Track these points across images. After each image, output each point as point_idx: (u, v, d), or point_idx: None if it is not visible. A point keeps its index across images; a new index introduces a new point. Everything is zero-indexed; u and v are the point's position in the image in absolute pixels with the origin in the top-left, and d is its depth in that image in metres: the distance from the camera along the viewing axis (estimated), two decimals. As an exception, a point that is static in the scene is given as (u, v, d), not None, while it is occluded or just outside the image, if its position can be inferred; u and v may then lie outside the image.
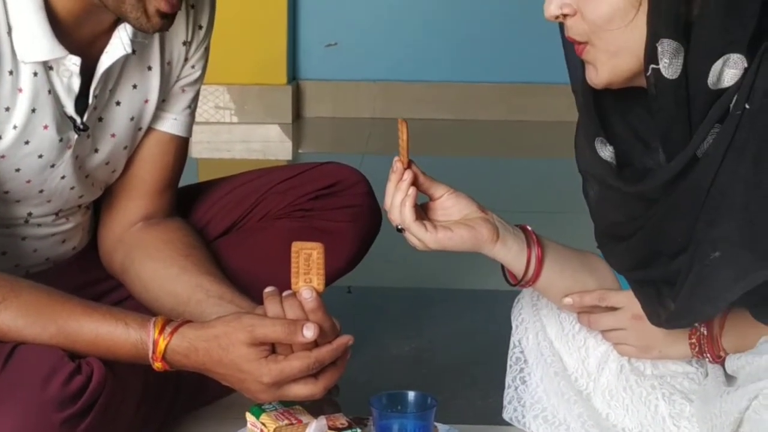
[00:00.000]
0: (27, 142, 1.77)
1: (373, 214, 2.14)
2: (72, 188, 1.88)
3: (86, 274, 1.99)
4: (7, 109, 1.73)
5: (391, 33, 4.80)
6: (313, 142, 4.63)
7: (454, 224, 1.73)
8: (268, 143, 4.61)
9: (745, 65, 1.49)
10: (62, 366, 1.63)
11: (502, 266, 1.80)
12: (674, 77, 1.51)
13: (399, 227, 1.72)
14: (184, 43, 1.91)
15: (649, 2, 1.50)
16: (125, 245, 1.97)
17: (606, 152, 1.65)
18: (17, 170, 1.79)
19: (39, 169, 1.81)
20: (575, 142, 1.71)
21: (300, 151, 4.50)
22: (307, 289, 1.70)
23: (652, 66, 1.51)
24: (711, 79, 1.50)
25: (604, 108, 1.66)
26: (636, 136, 1.65)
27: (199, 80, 1.96)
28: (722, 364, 1.74)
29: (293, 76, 4.84)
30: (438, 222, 1.74)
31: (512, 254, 1.75)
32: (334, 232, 2.06)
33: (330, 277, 1.92)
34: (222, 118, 4.67)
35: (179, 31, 1.89)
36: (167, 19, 1.72)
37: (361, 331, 1.84)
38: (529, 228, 1.78)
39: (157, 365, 1.69)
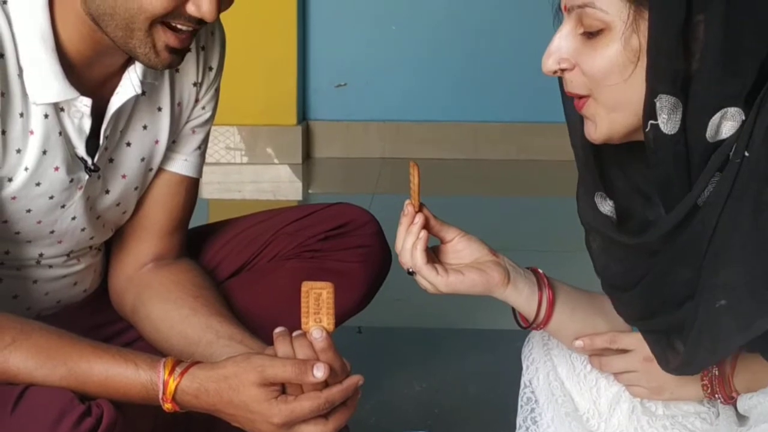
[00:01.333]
0: (38, 184, 1.78)
1: (382, 255, 2.14)
2: (83, 229, 1.88)
3: (96, 316, 1.99)
4: (18, 151, 1.74)
5: (400, 73, 4.82)
6: (323, 183, 4.64)
7: (465, 267, 1.73)
8: (279, 183, 4.62)
9: (743, 117, 1.50)
10: (72, 408, 1.63)
11: (513, 309, 1.80)
12: (673, 132, 1.51)
13: (410, 270, 1.72)
14: (195, 84, 1.92)
15: (647, 58, 1.51)
16: (135, 286, 1.97)
17: (606, 207, 1.66)
18: (28, 211, 1.80)
19: (49, 209, 1.81)
20: (577, 195, 1.72)
21: (310, 191, 4.51)
22: (317, 329, 1.70)
23: (651, 122, 1.52)
24: (709, 132, 1.51)
25: (603, 161, 1.67)
26: (636, 190, 1.65)
27: (210, 121, 1.97)
28: (734, 405, 1.73)
29: (303, 116, 4.86)
30: (449, 265, 1.74)
31: (523, 297, 1.75)
32: (344, 273, 2.06)
33: (340, 318, 1.92)
34: (232, 159, 4.68)
35: (189, 72, 1.90)
36: (177, 55, 1.72)
37: (371, 371, 1.84)
38: (540, 271, 1.78)
39: (167, 406, 1.69)
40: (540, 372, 1.93)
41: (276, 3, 4.65)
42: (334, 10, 4.83)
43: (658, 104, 1.50)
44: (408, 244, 1.71)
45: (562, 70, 1.58)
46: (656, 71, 1.50)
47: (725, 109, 1.49)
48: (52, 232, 1.85)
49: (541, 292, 1.75)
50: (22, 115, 1.72)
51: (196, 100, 1.93)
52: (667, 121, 1.50)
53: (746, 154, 1.48)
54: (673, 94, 1.49)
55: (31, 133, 1.74)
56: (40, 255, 1.88)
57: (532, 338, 1.95)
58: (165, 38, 1.69)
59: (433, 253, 1.75)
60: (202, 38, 1.89)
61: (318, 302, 1.71)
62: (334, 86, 4.87)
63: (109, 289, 2.01)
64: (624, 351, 1.79)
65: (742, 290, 1.50)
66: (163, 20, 1.66)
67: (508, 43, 4.65)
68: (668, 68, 1.49)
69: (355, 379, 1.71)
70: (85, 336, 1.73)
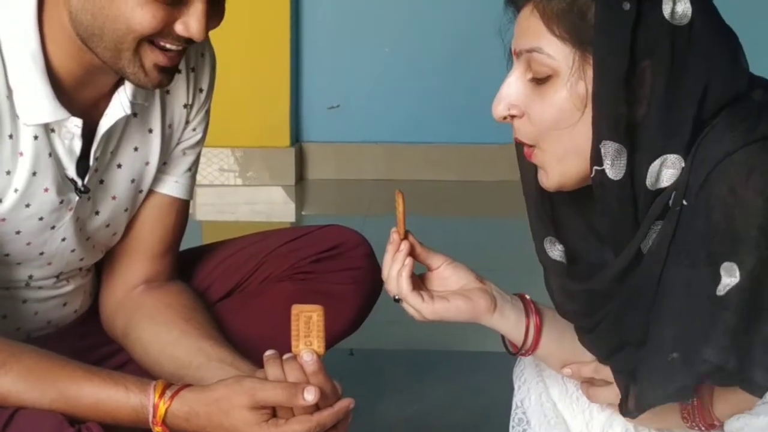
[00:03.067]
0: (28, 205, 1.77)
1: (374, 277, 2.13)
2: (72, 250, 1.88)
3: (87, 339, 1.98)
4: (8, 172, 1.74)
5: (393, 95, 4.82)
6: (316, 204, 4.64)
7: (452, 295, 1.73)
8: (272, 205, 4.63)
9: (682, 165, 1.51)
10: (62, 431, 1.62)
11: (502, 336, 1.80)
12: (618, 178, 1.52)
13: (396, 297, 1.73)
14: (185, 106, 1.91)
15: (592, 104, 1.51)
16: (126, 309, 1.96)
17: (556, 252, 1.67)
18: (17, 232, 1.80)
19: (39, 231, 1.81)
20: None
21: (303, 212, 4.51)
22: (308, 352, 1.70)
23: (596, 167, 1.53)
24: (649, 179, 1.52)
25: (555, 203, 1.68)
26: (590, 229, 1.66)
27: (200, 143, 1.97)
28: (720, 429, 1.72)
29: (296, 138, 4.86)
30: (435, 292, 1.74)
31: (510, 324, 1.75)
32: (336, 295, 2.06)
33: (332, 340, 1.92)
34: (226, 181, 4.68)
35: (180, 94, 1.90)
36: (166, 74, 1.72)
37: (363, 394, 1.84)
38: (528, 297, 1.78)
39: (158, 429, 1.68)
40: (532, 393, 1.92)
41: (269, 25, 4.66)
42: (328, 33, 4.83)
43: (602, 150, 1.51)
44: (393, 271, 1.71)
45: (512, 117, 1.59)
46: (601, 117, 1.51)
47: (665, 156, 1.51)
48: (41, 253, 1.85)
49: (528, 318, 1.75)
50: (11, 136, 1.72)
51: (187, 122, 1.93)
52: (612, 167, 1.52)
53: (684, 203, 1.50)
54: (617, 141, 1.51)
55: (21, 154, 1.74)
56: (30, 277, 1.88)
57: (524, 359, 1.94)
58: (153, 57, 1.68)
59: (420, 281, 1.75)
60: (192, 60, 1.89)
61: (308, 325, 1.70)
62: (327, 108, 4.87)
63: (100, 312, 2.01)
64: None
65: (688, 345, 1.50)
66: (150, 39, 1.66)
67: (501, 65, 4.66)
68: (612, 114, 1.50)
69: (346, 402, 1.71)
70: (75, 358, 1.73)
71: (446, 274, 1.75)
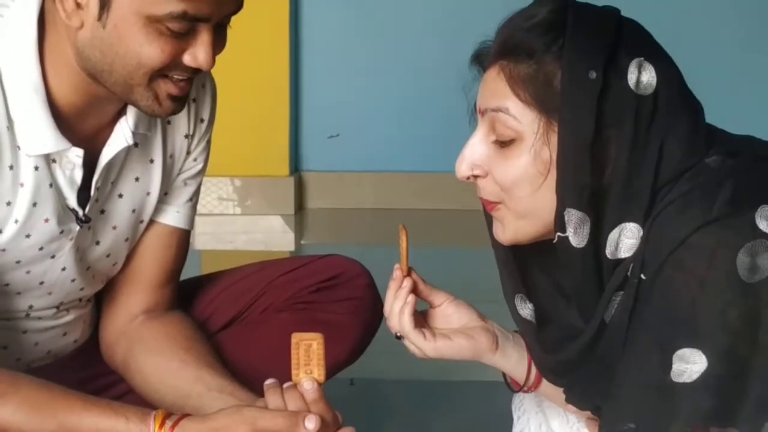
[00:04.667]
0: (28, 236, 1.77)
1: (374, 307, 2.13)
2: (73, 280, 1.88)
3: (87, 369, 1.98)
4: (8, 203, 1.74)
5: (392, 124, 4.83)
6: (315, 233, 4.63)
7: (454, 333, 1.73)
8: (271, 234, 4.62)
9: (640, 234, 1.51)
10: (62, 461, 1.63)
11: (503, 373, 1.80)
12: (581, 246, 1.52)
13: (398, 335, 1.73)
14: (186, 137, 1.92)
15: (556, 171, 1.52)
16: (126, 339, 1.96)
17: (526, 310, 1.68)
18: (17, 262, 1.80)
19: (39, 260, 1.81)
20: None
21: (302, 242, 4.51)
22: (308, 381, 1.70)
23: (559, 234, 1.53)
24: (609, 248, 1.53)
25: (527, 261, 1.68)
26: (558, 290, 1.67)
27: (201, 173, 1.97)
28: None
29: (296, 167, 4.87)
30: (438, 330, 1.74)
31: (512, 363, 1.75)
32: (336, 325, 2.06)
33: (332, 370, 1.91)
34: (225, 210, 4.68)
35: (181, 124, 1.90)
36: (178, 102, 1.73)
37: (364, 423, 1.83)
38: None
39: (158, 459, 1.68)
40: (531, 423, 1.92)
41: (268, 54, 4.67)
42: (327, 62, 4.84)
43: (566, 217, 1.52)
44: (396, 308, 1.71)
45: (475, 177, 1.59)
46: (564, 185, 1.51)
47: (623, 225, 1.51)
48: (41, 283, 1.85)
49: (531, 356, 1.75)
50: (11, 167, 1.72)
51: (188, 152, 1.93)
52: (575, 235, 1.52)
53: (642, 276, 1.50)
54: (580, 209, 1.51)
55: (21, 185, 1.74)
56: (30, 307, 1.88)
57: (523, 390, 1.94)
58: (166, 88, 1.69)
59: (422, 317, 1.75)
60: (193, 91, 1.89)
61: (308, 353, 1.70)
62: (327, 137, 4.88)
63: (100, 342, 2.01)
64: None
65: (644, 418, 1.50)
66: (161, 72, 1.67)
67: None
68: (576, 183, 1.51)
69: (346, 431, 1.71)
70: (75, 389, 1.73)
71: (449, 312, 1.76)
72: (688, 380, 1.45)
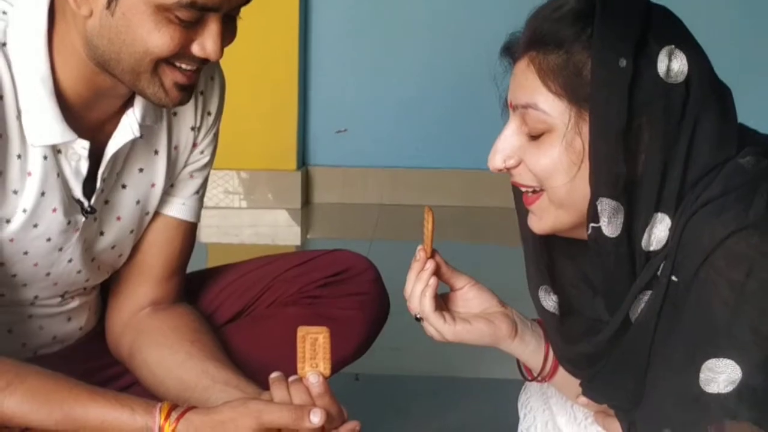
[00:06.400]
0: (36, 225, 1.78)
1: (380, 302, 2.13)
2: (78, 272, 1.88)
3: (93, 360, 1.98)
4: (15, 191, 1.74)
5: (400, 120, 4.83)
6: (322, 228, 4.63)
7: (474, 317, 1.73)
8: (277, 228, 4.62)
9: (670, 227, 1.50)
10: (67, 452, 1.63)
11: (518, 360, 1.79)
12: (614, 236, 1.52)
13: (417, 316, 1.72)
14: (192, 129, 1.92)
15: (589, 162, 1.51)
16: (133, 331, 1.96)
17: (550, 302, 1.67)
18: (25, 253, 1.80)
19: (46, 252, 1.81)
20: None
21: (309, 236, 4.51)
22: (314, 374, 1.70)
23: (593, 224, 1.53)
24: (644, 240, 1.52)
25: (554, 252, 1.68)
26: (585, 281, 1.66)
27: (208, 166, 1.97)
28: None
29: (303, 162, 4.87)
30: (457, 313, 1.73)
31: (529, 350, 1.75)
32: (342, 320, 2.06)
33: (338, 365, 1.91)
34: (231, 203, 4.68)
35: (187, 116, 1.90)
36: (186, 92, 1.72)
37: (368, 419, 1.83)
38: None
39: (163, 451, 1.68)
40: (538, 421, 1.92)
41: (277, 48, 4.67)
42: (336, 56, 4.84)
43: (599, 207, 1.51)
44: (417, 290, 1.70)
45: (508, 169, 1.59)
46: (597, 175, 1.51)
47: (656, 215, 1.51)
48: (48, 274, 1.85)
49: (548, 346, 1.74)
50: (19, 156, 1.72)
51: (194, 145, 1.93)
52: (608, 225, 1.51)
53: (673, 278, 1.49)
54: (614, 198, 1.50)
55: (29, 174, 1.74)
56: (35, 297, 1.88)
57: (530, 386, 1.94)
58: (172, 76, 1.69)
59: (442, 300, 1.74)
60: (201, 83, 1.90)
61: (314, 347, 1.70)
62: (335, 132, 4.88)
63: (107, 334, 2.01)
64: None
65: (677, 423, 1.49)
66: (167, 60, 1.67)
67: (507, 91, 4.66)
68: (609, 172, 1.50)
69: (351, 425, 1.71)
70: (82, 380, 1.73)
71: (469, 296, 1.75)
72: (719, 390, 1.44)
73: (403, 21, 4.81)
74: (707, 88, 1.52)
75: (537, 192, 1.59)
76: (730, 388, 1.44)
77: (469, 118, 4.68)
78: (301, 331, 1.71)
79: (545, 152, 1.55)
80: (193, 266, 2.09)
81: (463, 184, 4.77)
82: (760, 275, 1.41)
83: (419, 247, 1.72)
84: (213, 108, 1.94)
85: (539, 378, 1.77)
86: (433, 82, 4.79)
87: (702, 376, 1.45)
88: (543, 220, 1.60)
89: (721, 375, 1.44)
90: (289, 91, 4.73)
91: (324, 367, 1.70)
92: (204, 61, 1.69)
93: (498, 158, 1.60)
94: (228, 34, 1.69)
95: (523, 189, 1.61)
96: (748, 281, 1.42)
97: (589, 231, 1.53)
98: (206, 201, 2.04)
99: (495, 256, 4.01)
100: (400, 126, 4.83)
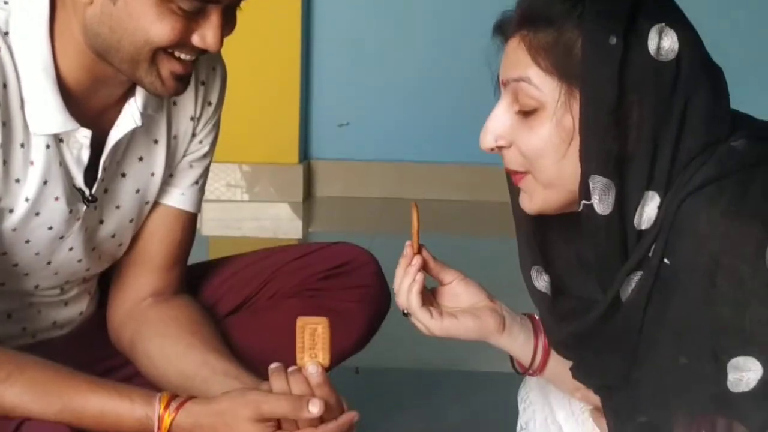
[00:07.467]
0: (38, 214, 1.78)
1: (382, 295, 2.13)
2: (79, 260, 1.88)
3: (95, 350, 1.98)
4: (18, 180, 1.74)
5: (402, 114, 4.83)
6: (324, 222, 4.64)
7: (461, 312, 1.73)
8: (279, 222, 4.63)
9: (660, 206, 1.50)
10: (68, 442, 1.63)
11: (510, 356, 1.79)
12: (605, 213, 1.51)
13: (405, 312, 1.73)
14: (192, 119, 1.92)
15: (580, 139, 1.51)
16: (134, 321, 1.97)
17: (541, 282, 1.67)
18: (27, 242, 1.80)
19: (48, 241, 1.81)
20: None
21: (310, 230, 4.51)
22: (313, 365, 1.70)
23: (584, 202, 1.52)
24: (636, 218, 1.52)
25: (547, 231, 1.68)
26: (577, 259, 1.66)
27: (208, 156, 1.97)
28: None
29: (305, 155, 4.87)
30: (446, 308, 1.74)
31: (518, 344, 1.75)
32: (343, 313, 2.06)
33: (338, 358, 1.92)
34: (233, 196, 4.68)
35: (187, 105, 1.90)
36: (182, 82, 1.73)
37: (369, 412, 1.83)
38: (537, 317, 1.78)
39: (162, 441, 1.68)
40: (537, 415, 1.91)
41: (280, 41, 4.67)
42: (338, 50, 4.84)
43: (591, 184, 1.51)
44: (404, 285, 1.71)
45: (500, 148, 1.59)
46: (588, 152, 1.51)
47: (647, 193, 1.51)
48: (49, 263, 1.85)
49: (537, 338, 1.75)
50: (23, 145, 1.73)
51: (193, 134, 1.93)
52: (600, 202, 1.51)
53: (665, 261, 1.49)
54: (605, 176, 1.50)
55: (32, 163, 1.74)
56: (36, 287, 1.88)
57: (529, 381, 1.94)
58: (170, 66, 1.69)
59: (431, 295, 1.75)
60: (202, 73, 1.90)
61: (313, 337, 1.71)
62: (337, 125, 4.88)
63: (108, 324, 2.01)
64: None
65: (658, 413, 1.49)
66: (166, 49, 1.67)
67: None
68: (600, 149, 1.50)
69: (350, 416, 1.71)
70: (82, 370, 1.73)
71: (458, 291, 1.75)
72: (746, 389, 1.43)
73: (406, 14, 4.81)
74: (698, 66, 1.52)
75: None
76: (752, 385, 1.43)
77: (472, 111, 4.66)
78: (301, 321, 1.71)
79: (536, 131, 1.55)
80: (194, 259, 2.09)
81: (466, 178, 4.77)
82: (755, 269, 1.41)
83: (407, 242, 1.72)
84: (214, 98, 1.94)
85: (530, 371, 1.77)
86: (435, 75, 4.79)
87: (724, 376, 1.44)
88: (533, 199, 1.60)
89: (741, 373, 1.43)
90: (291, 84, 4.73)
91: (323, 357, 1.71)
92: (202, 52, 1.69)
93: (489, 137, 1.60)
94: (228, 25, 1.70)
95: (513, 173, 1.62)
96: (755, 274, 1.41)
97: (581, 208, 1.53)
98: (208, 194, 2.04)
99: (498, 250, 4.00)
100: (402, 119, 4.83)
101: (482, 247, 4.05)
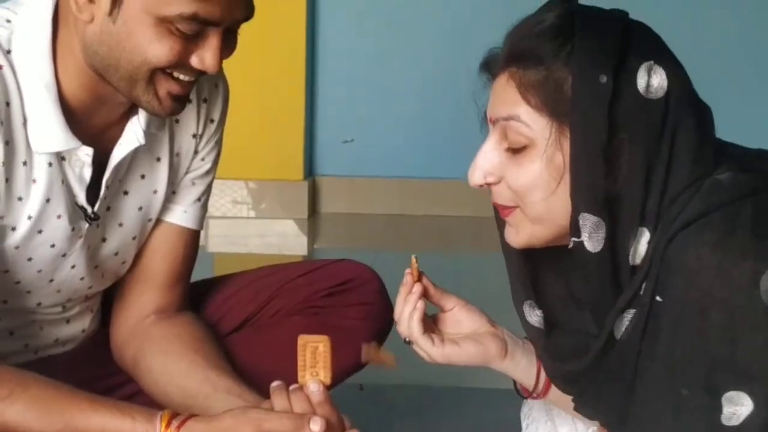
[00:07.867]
0: (40, 232, 1.78)
1: (385, 312, 2.13)
2: (82, 278, 1.88)
3: (96, 368, 1.98)
4: (20, 198, 1.74)
5: (407, 130, 4.83)
6: (328, 238, 4.63)
7: (463, 339, 1.73)
8: (284, 238, 4.62)
9: (651, 244, 1.50)
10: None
11: (514, 380, 1.79)
12: (596, 251, 1.52)
13: (407, 340, 1.73)
14: (194, 136, 1.92)
15: (570, 177, 1.51)
16: (137, 339, 1.97)
17: (534, 317, 1.67)
18: (29, 260, 1.80)
19: (51, 258, 1.82)
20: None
21: (315, 246, 4.51)
22: (314, 383, 1.70)
23: (574, 239, 1.52)
24: (631, 255, 1.52)
25: (538, 264, 1.68)
26: (570, 296, 1.66)
27: (210, 173, 1.97)
28: None
29: (310, 171, 4.87)
30: (447, 334, 1.74)
31: (521, 368, 1.75)
32: (347, 330, 2.06)
33: (342, 375, 1.92)
34: (239, 213, 4.68)
35: (189, 123, 1.91)
36: (179, 102, 1.73)
37: (373, 429, 1.83)
38: None
39: (164, 459, 1.68)
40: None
41: (285, 58, 4.67)
42: (343, 66, 4.84)
43: (581, 222, 1.51)
44: (405, 313, 1.72)
45: (488, 184, 1.59)
46: (578, 190, 1.51)
47: (639, 229, 1.51)
48: (51, 281, 1.85)
49: (540, 363, 1.74)
50: (25, 163, 1.73)
51: (196, 152, 1.93)
52: (590, 240, 1.52)
53: (658, 299, 1.48)
54: (595, 213, 1.50)
55: (34, 181, 1.75)
56: (38, 305, 1.88)
57: (533, 398, 1.94)
58: (167, 86, 1.70)
59: (432, 322, 1.75)
60: (204, 91, 1.90)
61: (315, 355, 1.71)
62: (342, 142, 4.88)
63: (111, 342, 2.01)
64: None
65: None
66: (164, 70, 1.68)
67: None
68: (590, 187, 1.50)
69: (352, 434, 1.71)
70: (84, 388, 1.74)
71: (459, 317, 1.76)
72: (737, 423, 1.43)
73: (410, 32, 4.81)
74: (686, 103, 1.53)
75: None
76: (742, 419, 1.43)
77: (475, 128, 4.68)
78: (302, 339, 1.71)
79: (526, 168, 1.55)
80: (200, 276, 2.09)
81: (471, 195, 4.75)
82: (749, 300, 1.40)
83: (407, 270, 1.73)
84: (216, 116, 1.94)
85: (534, 395, 1.77)
86: (440, 92, 4.79)
87: (718, 410, 1.43)
88: (520, 234, 1.60)
89: (735, 407, 1.43)
90: (295, 100, 4.73)
91: (324, 375, 1.70)
92: (201, 73, 1.70)
93: (478, 174, 1.60)
94: (228, 47, 1.70)
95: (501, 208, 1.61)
96: (746, 305, 1.41)
97: (571, 245, 1.53)
98: (214, 211, 2.05)
99: (503, 266, 4.00)
100: (407, 136, 4.83)
101: (486, 264, 4.03)
